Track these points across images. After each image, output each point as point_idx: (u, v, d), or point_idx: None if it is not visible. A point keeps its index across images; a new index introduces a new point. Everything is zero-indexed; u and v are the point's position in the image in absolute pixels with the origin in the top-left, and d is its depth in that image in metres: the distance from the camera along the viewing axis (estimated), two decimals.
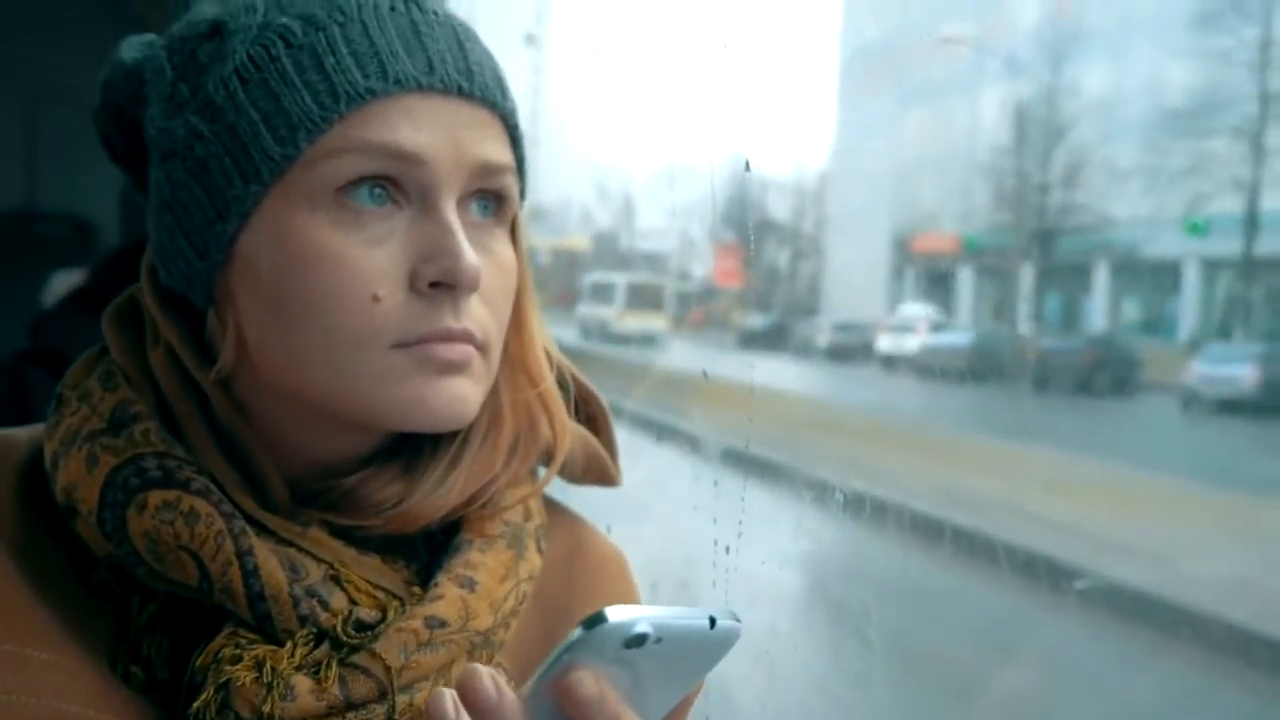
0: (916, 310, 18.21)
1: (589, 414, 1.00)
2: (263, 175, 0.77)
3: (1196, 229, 17.18)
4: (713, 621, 0.64)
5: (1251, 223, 16.34)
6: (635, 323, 22.46)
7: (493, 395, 0.86)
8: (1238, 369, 13.37)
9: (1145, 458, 8.88)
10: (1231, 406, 12.61)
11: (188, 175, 0.80)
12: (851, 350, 16.81)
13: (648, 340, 20.60)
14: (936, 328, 17.04)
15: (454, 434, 0.86)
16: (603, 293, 25.01)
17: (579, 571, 0.98)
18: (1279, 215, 16.27)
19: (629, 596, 1.03)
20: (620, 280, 24.97)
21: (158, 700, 0.78)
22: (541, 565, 0.92)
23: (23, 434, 0.88)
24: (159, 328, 0.84)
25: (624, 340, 20.94)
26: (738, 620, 0.65)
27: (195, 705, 0.75)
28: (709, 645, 0.66)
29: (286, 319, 0.78)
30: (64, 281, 2.28)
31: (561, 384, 0.93)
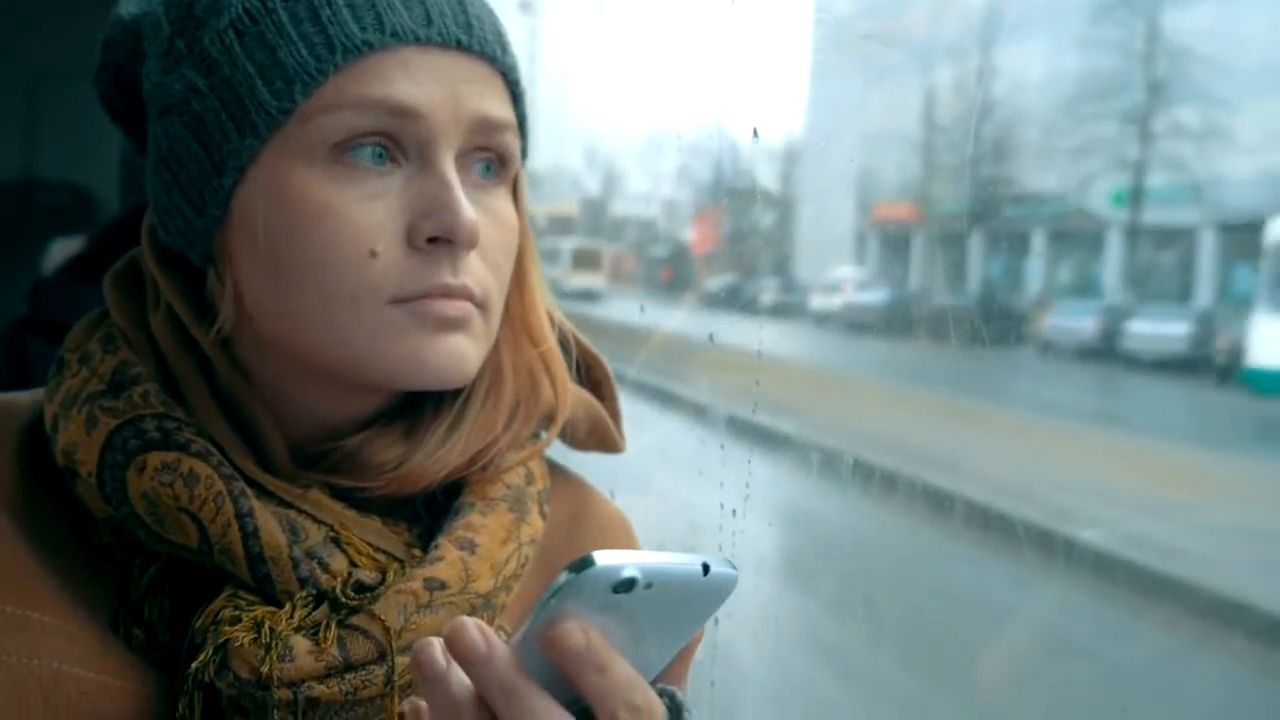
0: (844, 271, 18.47)
1: (594, 379, 0.92)
2: (259, 129, 0.71)
3: (1119, 200, 17.67)
4: (706, 568, 0.57)
5: (1137, 196, 16.84)
6: (579, 280, 23.79)
7: (494, 355, 0.80)
8: (1083, 321, 14.04)
9: (990, 393, 9.39)
10: (1081, 354, 13.43)
11: (184, 130, 0.74)
12: (792, 308, 17.20)
13: (588, 295, 21.57)
14: (861, 286, 17.35)
15: (455, 395, 0.80)
16: (552, 256, 25.93)
17: (583, 535, 0.90)
18: (1183, 189, 16.74)
19: None
20: (566, 245, 25.89)
21: (158, 662, 0.73)
22: (545, 529, 0.85)
23: (24, 398, 0.81)
24: (159, 289, 0.78)
25: (568, 296, 21.84)
26: (734, 568, 0.59)
27: (194, 666, 0.69)
28: (704, 593, 0.59)
29: (283, 275, 0.72)
30: (63, 249, 2.18)
31: (563, 346, 0.86)
